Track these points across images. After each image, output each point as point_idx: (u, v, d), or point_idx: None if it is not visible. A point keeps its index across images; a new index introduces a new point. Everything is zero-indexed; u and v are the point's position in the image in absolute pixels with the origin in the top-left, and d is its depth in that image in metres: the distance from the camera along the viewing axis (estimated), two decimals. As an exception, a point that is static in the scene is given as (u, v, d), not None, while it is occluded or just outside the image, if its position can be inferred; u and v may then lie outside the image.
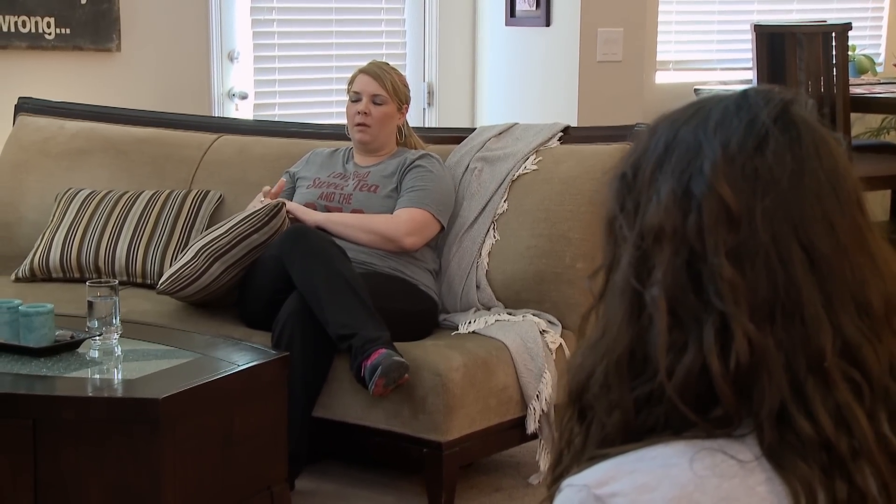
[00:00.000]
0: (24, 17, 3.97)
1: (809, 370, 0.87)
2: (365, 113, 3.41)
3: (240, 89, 4.45)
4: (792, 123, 0.92)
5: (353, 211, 3.37)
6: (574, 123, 3.92)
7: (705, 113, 0.93)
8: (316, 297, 3.00)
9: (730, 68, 5.63)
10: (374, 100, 3.42)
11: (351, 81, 3.48)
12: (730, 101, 0.93)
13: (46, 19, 4.00)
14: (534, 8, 4.66)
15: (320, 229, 3.25)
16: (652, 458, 0.86)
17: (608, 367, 0.90)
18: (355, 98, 3.44)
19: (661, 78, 5.40)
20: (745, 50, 5.33)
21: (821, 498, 0.85)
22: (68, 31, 4.05)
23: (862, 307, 0.89)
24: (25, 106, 3.98)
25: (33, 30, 3.99)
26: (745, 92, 0.94)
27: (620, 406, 0.90)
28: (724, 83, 5.45)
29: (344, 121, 3.56)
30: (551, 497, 0.90)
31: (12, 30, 3.96)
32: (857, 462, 0.86)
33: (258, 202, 3.35)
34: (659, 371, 0.88)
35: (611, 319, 0.92)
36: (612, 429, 0.90)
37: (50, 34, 4.02)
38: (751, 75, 5.06)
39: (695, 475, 0.85)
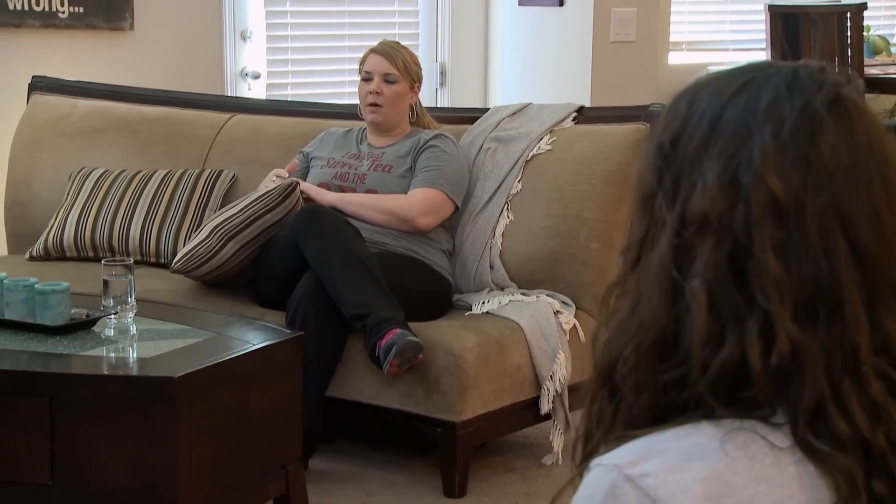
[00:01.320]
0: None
1: (846, 369, 0.85)
2: (377, 92, 3.40)
3: (252, 69, 4.44)
4: (845, 111, 0.88)
5: (368, 191, 3.37)
6: (587, 103, 3.91)
7: (754, 91, 0.89)
8: (330, 276, 3.00)
9: (743, 49, 5.61)
10: (386, 78, 3.41)
11: (362, 61, 3.47)
12: (780, 81, 0.89)
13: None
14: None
15: (334, 209, 3.25)
16: (683, 438, 0.85)
17: (639, 349, 0.89)
18: (367, 77, 3.43)
19: (675, 58, 5.38)
20: (758, 30, 5.31)
21: (862, 491, 0.84)
22: (81, 9, 4.04)
23: None
24: (39, 84, 3.98)
25: (47, 8, 3.99)
26: (796, 71, 0.90)
27: (649, 389, 0.88)
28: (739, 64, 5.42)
29: (357, 100, 3.55)
30: (580, 475, 0.89)
31: (26, 8, 3.95)
32: None
33: (270, 182, 3.35)
34: (691, 360, 0.86)
35: (644, 299, 0.89)
36: (639, 410, 0.89)
37: (63, 13, 4.01)
38: (764, 56, 5.03)
39: (726, 455, 0.84)
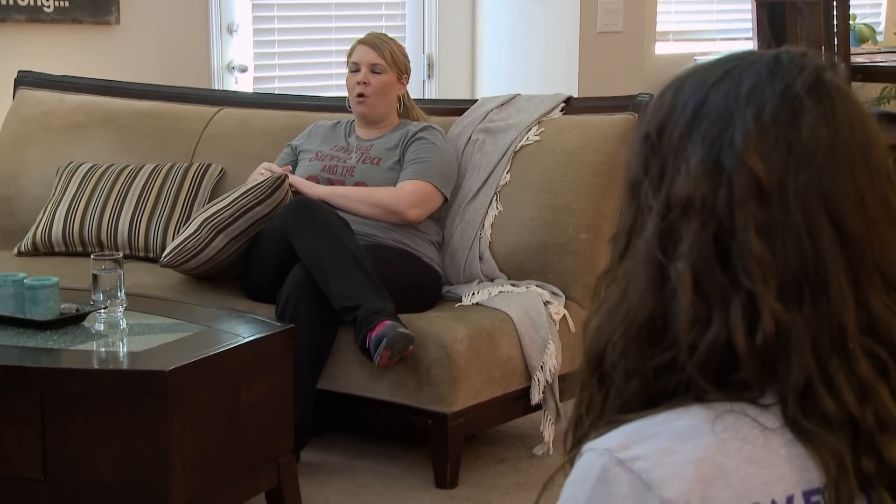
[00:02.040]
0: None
1: (833, 348, 0.86)
2: (364, 83, 3.40)
3: (239, 62, 4.43)
4: (826, 93, 0.89)
5: (356, 184, 3.37)
6: (575, 94, 3.91)
7: (736, 77, 0.90)
8: (320, 269, 3.00)
9: (730, 38, 5.61)
10: (373, 69, 3.40)
11: (350, 53, 3.47)
12: (762, 66, 0.91)
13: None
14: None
15: (323, 202, 3.25)
16: (674, 421, 0.86)
17: (627, 334, 0.89)
18: (354, 68, 3.43)
19: (662, 48, 5.39)
20: (745, 20, 5.31)
21: (850, 471, 0.85)
22: (67, 3, 4.02)
23: (890, 283, 0.88)
24: (25, 79, 3.96)
25: (32, 2, 3.97)
26: (777, 56, 0.92)
27: (639, 374, 0.89)
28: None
29: (345, 92, 3.55)
30: (571, 461, 0.89)
31: (11, 2, 3.93)
32: (885, 436, 0.86)
33: (259, 175, 3.34)
34: (679, 343, 0.87)
35: (631, 286, 0.90)
36: (630, 395, 0.90)
37: (49, 7, 4.00)
38: (751, 45, 5.04)
39: (717, 438, 0.85)
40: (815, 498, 0.85)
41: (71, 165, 3.70)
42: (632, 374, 0.89)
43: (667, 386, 0.89)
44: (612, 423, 0.88)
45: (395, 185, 3.34)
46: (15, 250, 3.63)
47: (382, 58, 3.41)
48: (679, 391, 0.88)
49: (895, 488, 0.86)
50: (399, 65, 3.44)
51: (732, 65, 0.92)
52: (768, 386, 0.87)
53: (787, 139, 0.88)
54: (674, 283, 0.88)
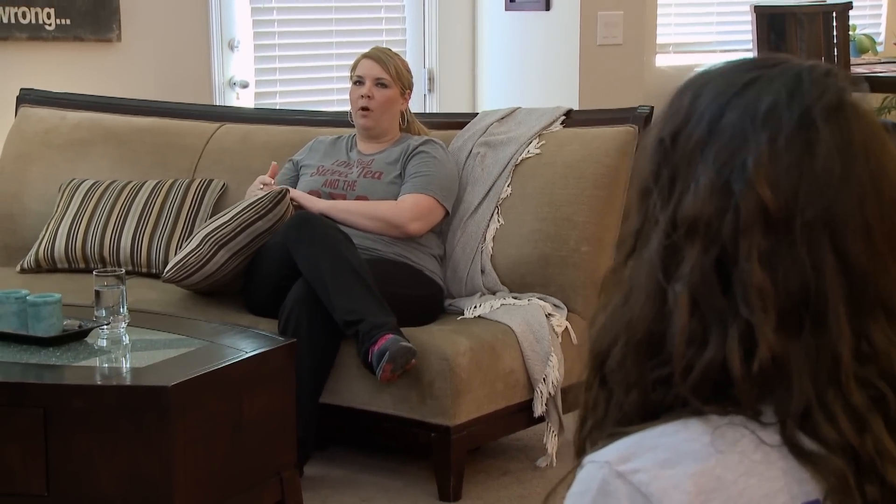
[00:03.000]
0: (24, 9, 3.96)
1: (830, 378, 0.85)
2: (368, 97, 3.41)
3: (240, 78, 4.44)
4: (846, 119, 0.87)
5: (358, 198, 3.38)
6: (576, 107, 3.92)
7: (755, 94, 0.88)
8: (322, 283, 3.00)
9: (730, 50, 5.63)
10: (378, 83, 3.41)
11: (354, 66, 3.48)
12: (782, 86, 0.88)
13: (46, 10, 4.00)
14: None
15: (325, 216, 3.26)
16: (673, 434, 0.86)
17: (628, 345, 0.89)
18: (358, 81, 3.44)
19: (662, 60, 5.40)
20: (745, 31, 5.33)
21: (853, 487, 0.85)
22: (68, 21, 4.04)
23: (892, 315, 0.87)
24: (27, 97, 3.98)
25: (33, 21, 3.99)
26: (800, 75, 0.89)
27: (638, 386, 0.89)
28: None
29: (346, 107, 3.56)
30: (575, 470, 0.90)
31: (12, 21, 3.95)
32: (886, 463, 0.85)
33: (257, 189, 3.35)
34: (674, 363, 0.87)
35: (634, 294, 0.90)
36: (630, 407, 0.89)
37: (50, 25, 4.02)
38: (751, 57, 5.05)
39: (716, 451, 0.84)
40: None
41: (73, 182, 3.71)
42: (632, 385, 0.89)
43: (665, 399, 0.88)
44: (613, 436, 0.89)
45: (396, 199, 3.35)
46: (18, 267, 3.64)
47: (387, 72, 3.42)
48: (678, 405, 0.88)
49: None
50: (403, 80, 3.45)
51: (754, 76, 0.90)
52: (766, 405, 0.87)
53: (799, 168, 0.86)
54: (671, 303, 0.87)
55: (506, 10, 4.76)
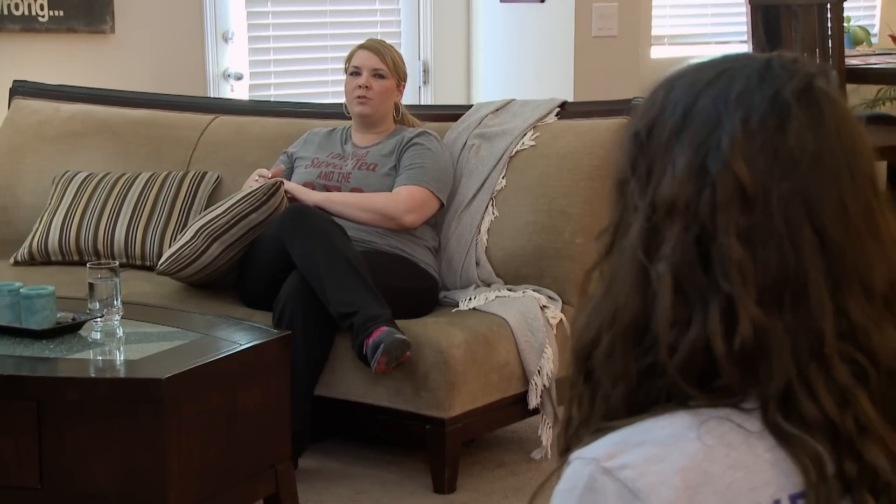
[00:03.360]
0: (18, 0, 3.95)
1: (812, 354, 0.86)
2: (366, 87, 3.40)
3: (235, 70, 4.43)
4: (815, 101, 0.90)
5: (352, 190, 3.37)
6: (570, 99, 3.91)
7: (727, 81, 0.90)
8: (316, 275, 3.00)
9: (725, 42, 5.63)
10: (375, 73, 3.41)
11: (350, 57, 3.48)
12: (752, 71, 0.91)
13: (39, 2, 3.98)
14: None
15: (319, 208, 3.25)
16: (660, 429, 0.86)
17: (613, 334, 0.90)
18: (355, 72, 3.43)
19: (657, 52, 5.40)
20: (740, 23, 5.32)
21: (830, 475, 0.85)
22: (62, 13, 4.03)
23: (870, 291, 0.88)
24: (20, 89, 3.96)
25: (27, 12, 3.97)
26: (769, 61, 0.92)
27: (625, 378, 0.89)
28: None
29: (341, 99, 3.55)
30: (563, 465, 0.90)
31: (5, 12, 3.94)
32: (864, 439, 0.86)
33: (253, 182, 3.35)
34: (660, 344, 0.87)
35: (617, 285, 0.90)
36: (616, 401, 0.90)
37: (43, 16, 4.00)
38: (746, 48, 5.05)
39: (703, 444, 0.85)
40: (801, 501, 0.85)
41: (67, 174, 3.70)
42: (619, 378, 0.90)
43: (650, 392, 0.89)
44: (600, 431, 0.89)
45: (391, 191, 3.34)
46: (11, 260, 3.63)
47: (384, 63, 3.42)
48: (663, 398, 0.88)
49: (877, 491, 0.86)
50: (399, 72, 3.46)
51: (724, 67, 0.92)
52: (750, 390, 0.87)
53: (773, 145, 0.88)
54: (654, 284, 0.88)
55: (500, 1, 4.75)
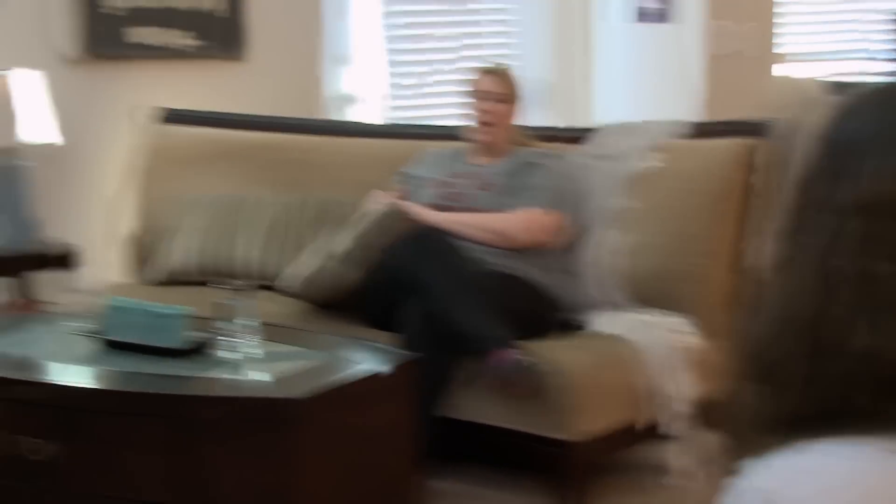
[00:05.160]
0: (163, 29, 4.07)
1: None
2: (490, 112, 3.41)
3: (353, 92, 4.48)
4: None
5: (472, 210, 3.36)
6: (697, 119, 3.85)
7: None
8: (439, 297, 2.99)
9: (863, 59, 5.49)
10: (499, 99, 3.42)
11: (473, 82, 3.49)
12: None
13: (187, 33, 4.10)
14: (655, 5, 4.60)
15: (440, 229, 3.25)
16: (840, 455, 0.79)
17: (788, 340, 0.84)
18: (479, 97, 3.44)
19: (785, 70, 5.28)
20: (866, 40, 5.18)
21: None
22: (202, 42, 4.14)
23: None
24: (165, 115, 4.06)
25: (175, 43, 4.09)
26: None
27: (798, 386, 0.82)
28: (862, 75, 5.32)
29: (458, 122, 3.56)
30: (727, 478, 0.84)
31: (145, 42, 4.07)
32: None
33: (373, 204, 3.37)
34: (845, 350, 0.81)
35: (796, 292, 0.84)
36: (788, 413, 0.84)
37: (189, 46, 4.13)
38: (885, 67, 4.91)
39: (890, 480, 0.77)
40: None
41: (202, 197, 3.79)
42: (795, 383, 0.83)
43: (828, 403, 0.81)
44: (768, 447, 0.83)
45: (510, 212, 3.33)
46: (149, 280, 3.71)
47: (507, 89, 3.44)
48: (846, 412, 0.82)
49: None
50: (519, 95, 3.47)
51: None
52: None
53: None
54: (842, 288, 0.81)
55: (625, 22, 4.71)
